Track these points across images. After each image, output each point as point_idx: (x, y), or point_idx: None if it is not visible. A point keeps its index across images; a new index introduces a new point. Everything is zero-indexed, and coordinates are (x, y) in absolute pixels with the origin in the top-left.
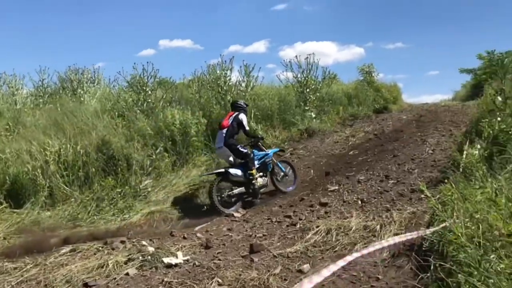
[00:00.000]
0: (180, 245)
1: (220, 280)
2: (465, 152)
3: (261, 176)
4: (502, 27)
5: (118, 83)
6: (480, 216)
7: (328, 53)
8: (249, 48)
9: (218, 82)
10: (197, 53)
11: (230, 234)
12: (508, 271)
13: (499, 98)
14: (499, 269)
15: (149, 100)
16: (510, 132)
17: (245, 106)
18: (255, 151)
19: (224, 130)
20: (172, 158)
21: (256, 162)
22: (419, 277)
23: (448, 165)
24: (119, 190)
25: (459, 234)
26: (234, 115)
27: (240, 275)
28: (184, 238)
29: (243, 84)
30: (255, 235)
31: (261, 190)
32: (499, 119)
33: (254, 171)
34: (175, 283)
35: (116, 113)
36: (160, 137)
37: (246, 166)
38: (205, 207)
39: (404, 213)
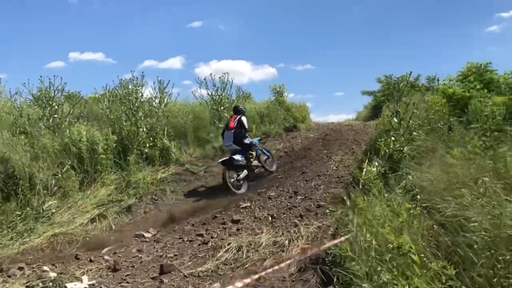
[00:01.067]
0: (86, 269)
1: None
2: (364, 169)
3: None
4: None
5: (22, 96)
6: (375, 229)
7: (243, 72)
8: (165, 63)
9: (130, 98)
10: (110, 67)
11: (140, 255)
12: (395, 282)
13: (395, 119)
14: (385, 280)
15: (56, 115)
16: (403, 151)
17: (244, 110)
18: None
19: (232, 131)
20: (79, 177)
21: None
22: None
23: (350, 182)
24: (19, 212)
25: (347, 249)
26: (237, 118)
27: None
28: (91, 261)
29: (157, 100)
30: (166, 256)
31: (256, 169)
32: (393, 138)
33: (254, 153)
34: None
35: (18, 129)
36: (67, 154)
37: (246, 152)
38: (113, 226)
39: (310, 227)
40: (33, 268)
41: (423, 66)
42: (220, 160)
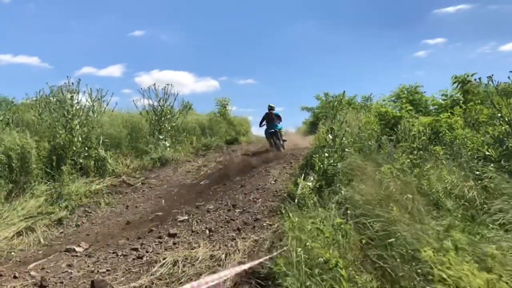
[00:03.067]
0: (9, 286)
1: None
2: (300, 184)
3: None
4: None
5: None
6: (308, 244)
7: (185, 83)
8: (104, 71)
9: (64, 105)
10: (46, 72)
11: (70, 270)
12: None
13: (329, 136)
14: None
15: None
16: (336, 167)
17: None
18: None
19: (273, 123)
20: (7, 187)
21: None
22: None
23: (286, 196)
24: None
25: (280, 264)
26: (274, 113)
27: None
28: (15, 277)
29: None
30: (98, 271)
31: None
32: (326, 154)
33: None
34: None
35: None
36: None
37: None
38: (41, 240)
39: (248, 241)
40: None
41: (358, 86)
42: (269, 131)
